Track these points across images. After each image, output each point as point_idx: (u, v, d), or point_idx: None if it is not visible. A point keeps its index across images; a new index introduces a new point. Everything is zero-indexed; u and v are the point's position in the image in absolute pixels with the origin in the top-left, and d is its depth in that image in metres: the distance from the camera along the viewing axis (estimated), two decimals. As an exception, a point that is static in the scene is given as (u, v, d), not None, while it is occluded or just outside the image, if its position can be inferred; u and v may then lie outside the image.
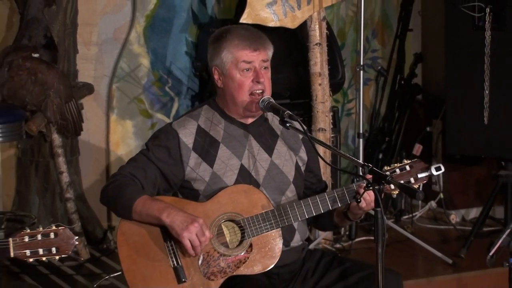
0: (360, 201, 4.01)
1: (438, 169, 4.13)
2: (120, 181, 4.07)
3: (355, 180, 6.41)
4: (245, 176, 4.13)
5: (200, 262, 4.08)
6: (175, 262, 4.06)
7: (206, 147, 4.14)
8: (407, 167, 4.13)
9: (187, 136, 4.13)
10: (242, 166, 4.14)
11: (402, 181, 4.07)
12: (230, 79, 4.10)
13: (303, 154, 4.29)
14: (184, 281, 4.05)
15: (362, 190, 3.96)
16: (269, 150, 4.21)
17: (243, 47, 4.08)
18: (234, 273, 4.08)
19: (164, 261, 4.08)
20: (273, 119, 4.18)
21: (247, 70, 4.09)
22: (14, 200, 6.06)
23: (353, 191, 4.09)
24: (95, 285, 5.02)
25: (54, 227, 3.71)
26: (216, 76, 4.14)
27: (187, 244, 3.92)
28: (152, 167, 4.10)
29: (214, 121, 4.18)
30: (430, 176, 4.16)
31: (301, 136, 4.26)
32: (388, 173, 3.96)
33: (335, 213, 4.20)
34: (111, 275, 5.22)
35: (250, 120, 4.20)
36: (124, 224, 4.11)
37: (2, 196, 5.95)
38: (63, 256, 3.71)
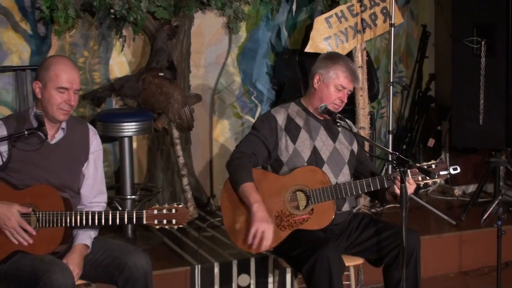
0: (393, 183, 3.99)
1: (455, 169, 4.08)
2: (243, 159, 4.13)
3: (385, 164, 6.38)
4: (315, 154, 4.18)
5: (275, 217, 4.09)
6: None
7: (292, 130, 4.19)
8: (433, 166, 4.07)
9: (281, 120, 4.20)
10: (314, 146, 4.18)
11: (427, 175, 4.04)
12: (326, 87, 4.17)
13: (355, 146, 4.30)
14: (250, 245, 4.06)
15: (398, 182, 3.92)
16: (334, 139, 4.25)
17: (347, 76, 4.16)
18: (299, 227, 4.09)
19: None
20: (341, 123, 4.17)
21: (339, 90, 4.14)
22: (145, 175, 6.10)
23: (382, 181, 4.06)
24: (205, 226, 5.02)
25: (175, 205, 3.74)
26: (315, 80, 4.20)
27: (252, 231, 3.97)
28: (262, 145, 4.16)
29: (298, 113, 4.25)
30: (449, 174, 4.09)
31: None
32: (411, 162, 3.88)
33: (387, 193, 4.18)
34: (213, 220, 5.36)
35: (322, 117, 4.21)
36: (228, 185, 4.15)
37: (138, 172, 5.99)
38: (180, 226, 3.75)
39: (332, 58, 4.23)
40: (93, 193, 4.00)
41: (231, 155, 4.19)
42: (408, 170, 3.97)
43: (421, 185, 4.12)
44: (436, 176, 4.05)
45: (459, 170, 4.08)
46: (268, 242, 3.97)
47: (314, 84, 4.20)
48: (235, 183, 4.08)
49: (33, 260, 3.70)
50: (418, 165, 4.02)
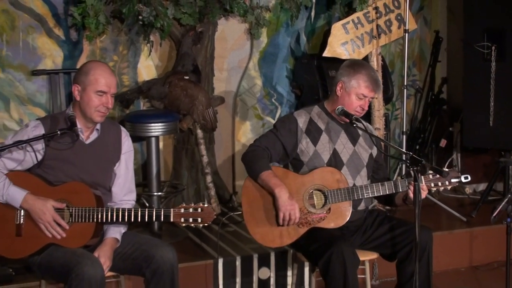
0: (408, 188, 3.98)
1: (466, 178, 4.05)
2: (257, 151, 4.13)
3: (399, 163, 6.36)
4: (335, 156, 4.17)
5: (294, 214, 4.09)
6: (277, 211, 4.08)
7: (313, 132, 4.17)
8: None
9: (302, 122, 4.18)
10: (334, 149, 4.17)
11: (439, 182, 4.02)
12: (348, 95, 4.15)
13: (374, 149, 4.28)
14: (282, 225, 4.06)
15: (411, 186, 3.92)
16: (354, 142, 4.24)
17: (367, 86, 4.13)
18: (316, 225, 4.09)
19: (271, 209, 4.11)
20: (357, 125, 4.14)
21: (360, 99, 4.11)
22: (171, 173, 6.12)
23: (397, 185, 4.05)
24: (224, 219, 5.04)
25: (201, 204, 3.76)
26: (338, 87, 4.18)
27: (281, 215, 4.01)
28: (278, 142, 4.16)
29: (320, 116, 4.23)
30: (460, 182, 4.06)
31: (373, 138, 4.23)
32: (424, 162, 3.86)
33: (396, 198, 4.17)
34: (232, 213, 5.42)
35: (343, 121, 4.19)
36: (247, 182, 4.15)
37: (164, 170, 6.02)
38: (204, 225, 3.76)
39: (355, 66, 4.18)
40: (124, 191, 4.04)
41: (247, 149, 4.20)
42: (422, 176, 3.96)
43: (433, 191, 4.11)
44: (447, 183, 4.04)
45: (469, 179, 4.05)
46: (296, 220, 4.02)
47: (337, 91, 4.18)
48: (254, 174, 4.10)
49: (66, 253, 3.74)
50: (431, 165, 4.01)
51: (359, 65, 4.22)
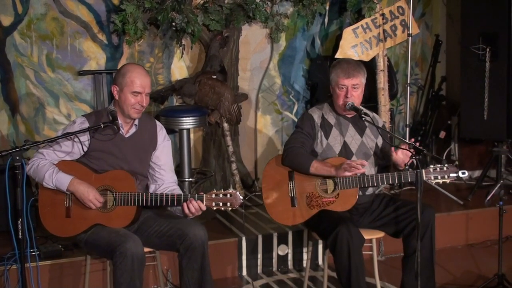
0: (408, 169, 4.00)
1: (463, 173, 4.01)
2: (296, 149, 4.08)
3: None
4: (346, 147, 4.16)
5: (306, 197, 4.09)
6: (292, 194, 4.10)
7: (325, 127, 4.17)
8: (445, 168, 4.01)
9: (317, 118, 4.19)
10: (345, 141, 4.16)
11: (438, 176, 3.98)
12: (333, 89, 4.13)
13: (379, 139, 4.26)
14: (295, 206, 4.07)
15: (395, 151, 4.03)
16: (361, 134, 4.22)
17: (339, 75, 4.11)
18: (325, 208, 4.09)
19: (286, 192, 4.12)
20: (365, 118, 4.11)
21: (342, 89, 4.08)
22: (201, 161, 6.14)
23: (400, 176, 4.03)
24: (244, 200, 5.05)
25: (230, 190, 3.76)
26: (330, 87, 4.15)
27: (350, 174, 3.97)
28: (307, 138, 4.14)
29: (330, 113, 4.22)
30: (458, 176, 4.02)
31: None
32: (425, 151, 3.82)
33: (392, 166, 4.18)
34: (252, 194, 5.39)
35: (350, 115, 4.16)
36: (268, 168, 4.19)
37: (194, 159, 6.04)
38: (233, 208, 3.77)
39: (333, 64, 4.20)
40: (170, 173, 4.09)
41: (284, 151, 4.15)
42: (424, 170, 3.94)
43: (433, 184, 4.05)
44: (446, 177, 4.00)
45: (466, 174, 4.03)
46: (357, 165, 3.92)
47: (331, 90, 4.21)
48: (303, 169, 4.07)
49: (110, 233, 3.77)
50: (431, 154, 3.99)
51: (336, 61, 4.22)
